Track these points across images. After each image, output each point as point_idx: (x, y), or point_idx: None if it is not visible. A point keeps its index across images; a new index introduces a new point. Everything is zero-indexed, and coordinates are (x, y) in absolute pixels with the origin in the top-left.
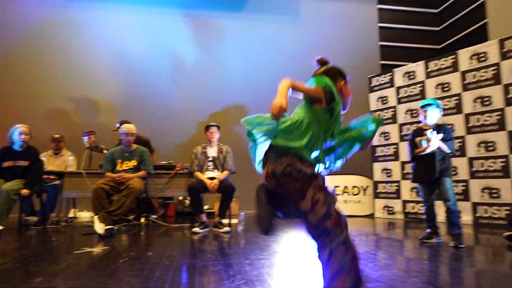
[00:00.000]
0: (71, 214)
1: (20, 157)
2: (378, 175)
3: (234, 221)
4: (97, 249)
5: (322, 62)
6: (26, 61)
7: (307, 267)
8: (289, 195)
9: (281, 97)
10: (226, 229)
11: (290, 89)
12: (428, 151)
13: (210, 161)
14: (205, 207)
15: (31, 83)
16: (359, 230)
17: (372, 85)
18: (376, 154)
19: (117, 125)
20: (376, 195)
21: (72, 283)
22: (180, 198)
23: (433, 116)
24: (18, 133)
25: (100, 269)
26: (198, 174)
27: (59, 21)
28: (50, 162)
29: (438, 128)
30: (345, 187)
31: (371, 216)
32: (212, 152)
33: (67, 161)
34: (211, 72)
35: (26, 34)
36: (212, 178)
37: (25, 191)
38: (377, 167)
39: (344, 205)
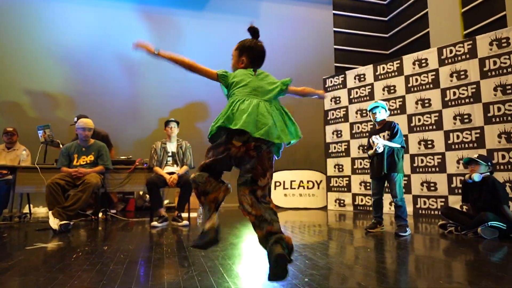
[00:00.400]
0: (25, 210)
1: None
2: (331, 170)
3: (193, 214)
4: (51, 245)
5: (255, 32)
6: None
7: (260, 257)
8: (257, 166)
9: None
10: (185, 222)
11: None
12: (378, 151)
13: (169, 156)
14: (166, 201)
15: None
16: (313, 222)
17: (327, 85)
18: (330, 151)
19: (75, 119)
20: (329, 189)
21: (21, 278)
22: (141, 192)
23: (381, 115)
24: None
25: (52, 264)
26: (157, 169)
27: (13, 11)
28: (2, 157)
29: (386, 125)
30: (301, 181)
31: (324, 208)
32: (171, 147)
33: (21, 156)
34: (172, 69)
35: None
36: (171, 173)
37: None
38: (330, 162)
39: (300, 198)
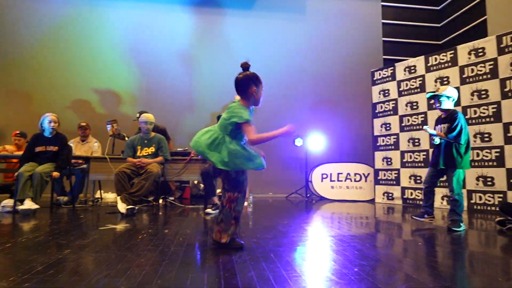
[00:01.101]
0: (97, 195)
1: (50, 143)
2: (379, 163)
3: None
4: (120, 226)
5: (243, 67)
6: (52, 55)
7: (309, 246)
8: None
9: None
10: None
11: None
12: (434, 142)
13: None
14: (218, 190)
15: (58, 76)
16: (360, 214)
17: (375, 78)
18: (378, 144)
19: (137, 115)
20: (377, 182)
21: (96, 255)
22: (195, 182)
23: (445, 105)
24: (47, 121)
25: (121, 243)
26: None
27: (82, 17)
28: (77, 148)
29: (448, 116)
30: (348, 173)
31: (371, 201)
32: None
33: (93, 147)
34: (223, 67)
35: (52, 30)
36: None
37: (55, 174)
38: (378, 155)
39: (347, 191)
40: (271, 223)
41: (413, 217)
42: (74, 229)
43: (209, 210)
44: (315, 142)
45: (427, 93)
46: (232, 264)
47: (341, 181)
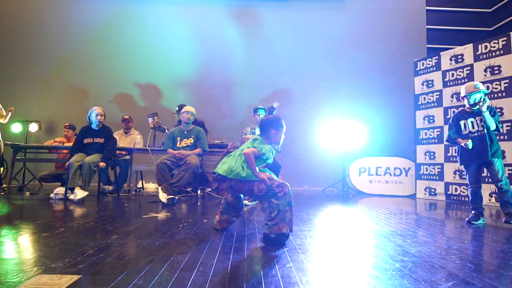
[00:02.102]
0: (139, 185)
1: (97, 135)
2: (421, 157)
3: None
4: (161, 215)
5: (270, 110)
6: (99, 52)
7: (348, 240)
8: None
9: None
10: None
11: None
12: (469, 146)
13: None
14: None
15: (103, 71)
16: (400, 209)
17: (418, 68)
18: (420, 137)
19: (176, 108)
20: (419, 177)
21: (141, 241)
22: None
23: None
24: (95, 114)
25: (163, 231)
26: None
27: (124, 16)
28: (121, 140)
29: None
30: (387, 168)
31: (412, 196)
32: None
33: (135, 139)
34: (260, 60)
35: (99, 29)
36: None
37: (102, 164)
38: (420, 149)
39: (386, 185)
40: (307, 215)
41: (472, 222)
42: (120, 216)
43: (246, 202)
44: (354, 134)
45: (472, 93)
46: (270, 254)
47: (380, 175)
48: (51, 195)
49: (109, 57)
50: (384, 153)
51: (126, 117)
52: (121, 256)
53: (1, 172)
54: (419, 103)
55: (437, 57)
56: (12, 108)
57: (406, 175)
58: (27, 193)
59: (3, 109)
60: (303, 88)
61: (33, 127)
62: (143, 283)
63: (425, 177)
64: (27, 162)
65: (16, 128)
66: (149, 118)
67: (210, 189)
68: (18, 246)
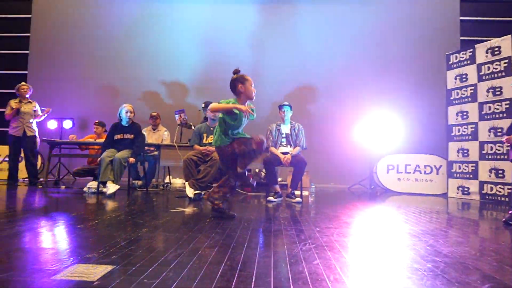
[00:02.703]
0: (166, 180)
1: (127, 131)
2: (453, 155)
3: (305, 193)
4: (188, 210)
5: (234, 72)
6: (126, 52)
7: (376, 238)
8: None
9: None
10: (298, 199)
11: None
12: None
13: (283, 137)
14: (279, 179)
15: (129, 70)
16: (430, 208)
17: (450, 62)
18: (452, 134)
19: (202, 105)
20: (450, 175)
21: (169, 234)
22: (257, 170)
23: None
24: (125, 111)
25: (191, 226)
26: (272, 149)
27: (150, 16)
28: (149, 136)
29: None
30: (417, 165)
31: (443, 195)
32: (285, 129)
33: (163, 136)
34: (285, 56)
35: (124, 30)
36: (285, 153)
37: (132, 159)
38: (453, 146)
39: (415, 183)
40: (333, 213)
41: (509, 222)
42: (149, 210)
43: (271, 198)
44: (382, 131)
45: None
46: (297, 251)
47: (409, 173)
48: (85, 189)
49: (137, 57)
50: (414, 150)
51: (154, 114)
52: (151, 249)
53: (39, 166)
54: (451, 98)
55: (471, 50)
56: (50, 109)
57: (437, 173)
58: (63, 187)
59: (39, 109)
60: (328, 84)
61: (67, 124)
62: (173, 275)
63: (458, 175)
64: (62, 158)
65: (52, 125)
66: (176, 115)
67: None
68: (56, 237)
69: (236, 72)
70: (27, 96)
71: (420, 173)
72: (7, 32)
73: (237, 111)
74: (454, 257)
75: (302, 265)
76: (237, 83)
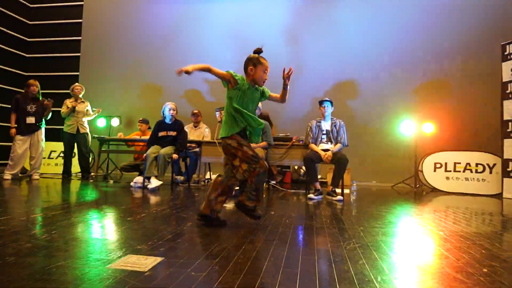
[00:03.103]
0: (207, 176)
1: (170, 128)
2: (509, 153)
3: (346, 191)
4: (229, 205)
5: (254, 51)
6: (168, 51)
7: (425, 239)
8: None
9: (192, 67)
10: (339, 197)
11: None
12: None
13: (324, 134)
14: (318, 176)
15: (171, 69)
16: (483, 209)
17: (506, 53)
18: (508, 130)
19: None
20: (506, 174)
21: (212, 229)
22: (296, 167)
23: None
24: (168, 109)
25: (233, 221)
26: (312, 145)
27: (191, 15)
28: (190, 133)
29: None
30: (468, 163)
31: (498, 196)
32: (326, 125)
33: (204, 132)
34: (325, 50)
35: (167, 29)
36: (326, 150)
37: (175, 156)
38: (508, 143)
39: (465, 183)
40: (378, 212)
41: None
42: (192, 204)
43: (311, 195)
44: (427, 127)
45: None
46: (342, 250)
47: (459, 171)
48: (131, 184)
49: (180, 56)
50: (464, 147)
51: (195, 111)
52: (196, 242)
53: (90, 162)
54: (507, 91)
55: None
56: (100, 109)
57: (491, 172)
58: (111, 181)
59: (90, 109)
60: (371, 79)
61: (115, 122)
62: (219, 268)
63: None
64: (110, 154)
65: (101, 123)
66: (217, 112)
67: (274, 182)
68: (108, 228)
69: (256, 51)
70: (80, 96)
71: (471, 172)
72: (61, 36)
73: (235, 75)
74: None
75: (347, 264)
76: (249, 64)
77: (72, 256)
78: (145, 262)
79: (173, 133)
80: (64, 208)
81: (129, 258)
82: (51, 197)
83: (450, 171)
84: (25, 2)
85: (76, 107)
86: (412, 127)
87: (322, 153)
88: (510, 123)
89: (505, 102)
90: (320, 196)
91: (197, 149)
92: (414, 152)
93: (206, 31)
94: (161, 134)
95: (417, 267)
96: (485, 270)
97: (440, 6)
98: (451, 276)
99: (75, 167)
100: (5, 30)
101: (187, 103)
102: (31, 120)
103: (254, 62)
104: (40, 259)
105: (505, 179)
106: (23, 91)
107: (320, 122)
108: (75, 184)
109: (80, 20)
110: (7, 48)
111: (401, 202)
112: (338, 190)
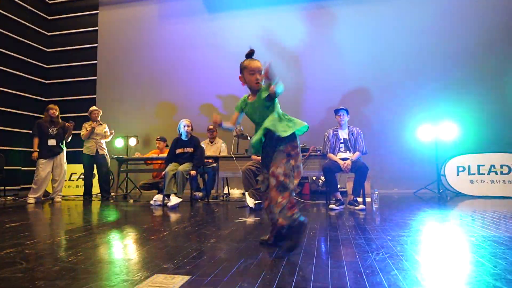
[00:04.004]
0: (225, 191)
1: (187, 145)
2: None
3: (367, 200)
4: (250, 219)
5: (246, 55)
6: (181, 69)
7: (456, 246)
8: None
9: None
10: (361, 206)
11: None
12: None
13: (341, 143)
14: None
15: (187, 85)
16: (509, 213)
17: None
18: None
19: None
20: None
21: (237, 245)
22: (314, 177)
23: None
24: (183, 126)
25: (256, 235)
26: (331, 155)
27: (202, 32)
28: (207, 149)
29: None
30: (492, 165)
31: None
32: (343, 134)
33: (220, 148)
34: (339, 59)
35: (179, 48)
36: (344, 159)
37: (193, 172)
38: None
39: (491, 185)
40: (402, 220)
41: None
42: (213, 221)
43: (332, 206)
44: (447, 130)
45: None
46: (371, 261)
47: (483, 174)
48: (151, 202)
49: (192, 73)
50: (487, 149)
51: (211, 127)
52: (222, 259)
53: (110, 182)
54: None
55: None
56: (113, 131)
57: None
58: (131, 201)
59: (108, 130)
60: (386, 85)
61: (132, 141)
62: (248, 285)
63: None
64: (129, 173)
65: (119, 143)
66: None
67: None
68: (133, 248)
69: (248, 54)
70: (98, 118)
71: (496, 174)
72: (78, 61)
73: (236, 107)
74: None
75: (379, 276)
76: (240, 74)
77: (100, 278)
78: (173, 281)
79: (190, 150)
80: (87, 229)
81: (156, 278)
82: (74, 219)
83: (474, 174)
84: (42, 31)
85: (95, 129)
86: (431, 131)
87: (341, 162)
88: None
89: None
90: (341, 206)
91: (215, 165)
92: (435, 156)
93: (217, 48)
94: (178, 151)
95: (454, 276)
96: None
97: (459, 5)
98: (490, 284)
99: (95, 188)
100: (24, 58)
101: (202, 119)
102: (52, 142)
103: (241, 69)
104: (68, 282)
105: None
106: (43, 115)
107: (337, 131)
108: (96, 205)
109: (96, 45)
110: (27, 76)
111: (425, 208)
112: (360, 199)
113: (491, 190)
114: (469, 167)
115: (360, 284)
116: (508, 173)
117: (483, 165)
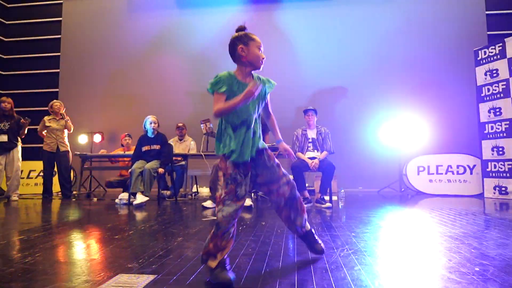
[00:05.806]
0: (194, 189)
1: (153, 142)
2: (487, 153)
3: (334, 198)
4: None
5: (237, 29)
6: (150, 64)
7: (415, 242)
8: None
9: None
10: (328, 204)
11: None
12: None
13: (310, 142)
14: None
15: (156, 81)
16: (467, 210)
17: (479, 58)
18: (485, 131)
19: None
20: (486, 174)
21: (204, 243)
22: None
23: None
24: (149, 122)
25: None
26: (299, 154)
27: (173, 27)
28: (176, 147)
29: None
30: (449, 166)
31: (479, 196)
32: (311, 134)
33: (189, 145)
34: (307, 60)
35: (148, 42)
36: (312, 158)
37: (161, 170)
38: (486, 145)
39: (448, 185)
40: (366, 217)
41: None
42: (181, 219)
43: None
44: (409, 132)
45: None
46: (336, 257)
47: (441, 174)
48: (116, 201)
49: (161, 68)
50: (445, 150)
51: (180, 124)
52: (188, 257)
53: (72, 180)
54: (482, 95)
55: (501, 44)
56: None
57: (471, 173)
58: (95, 199)
59: (69, 120)
60: (353, 86)
61: (97, 138)
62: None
63: (494, 174)
64: (93, 171)
65: (82, 139)
66: (202, 125)
67: (262, 193)
68: (95, 248)
69: (239, 29)
70: (62, 112)
71: (453, 173)
72: (39, 53)
73: (213, 82)
74: (503, 260)
75: (343, 271)
76: (238, 44)
77: (59, 279)
78: (137, 281)
79: (156, 147)
80: (46, 229)
81: (119, 277)
82: (32, 219)
83: (433, 173)
84: (0, 19)
85: (54, 125)
86: (395, 132)
87: (309, 161)
88: (486, 125)
89: (481, 105)
90: (309, 205)
91: (183, 163)
92: (398, 156)
93: (189, 44)
94: (144, 148)
95: (412, 269)
96: (477, 269)
97: (415, 16)
98: (445, 277)
99: (56, 186)
100: None
101: (171, 116)
102: (3, 138)
103: (243, 40)
104: (25, 284)
105: (485, 179)
106: None
107: (305, 130)
108: (56, 204)
109: (59, 36)
110: None
111: (387, 206)
112: (327, 198)
113: (449, 189)
114: (428, 167)
115: (325, 279)
116: (464, 173)
117: (441, 165)
